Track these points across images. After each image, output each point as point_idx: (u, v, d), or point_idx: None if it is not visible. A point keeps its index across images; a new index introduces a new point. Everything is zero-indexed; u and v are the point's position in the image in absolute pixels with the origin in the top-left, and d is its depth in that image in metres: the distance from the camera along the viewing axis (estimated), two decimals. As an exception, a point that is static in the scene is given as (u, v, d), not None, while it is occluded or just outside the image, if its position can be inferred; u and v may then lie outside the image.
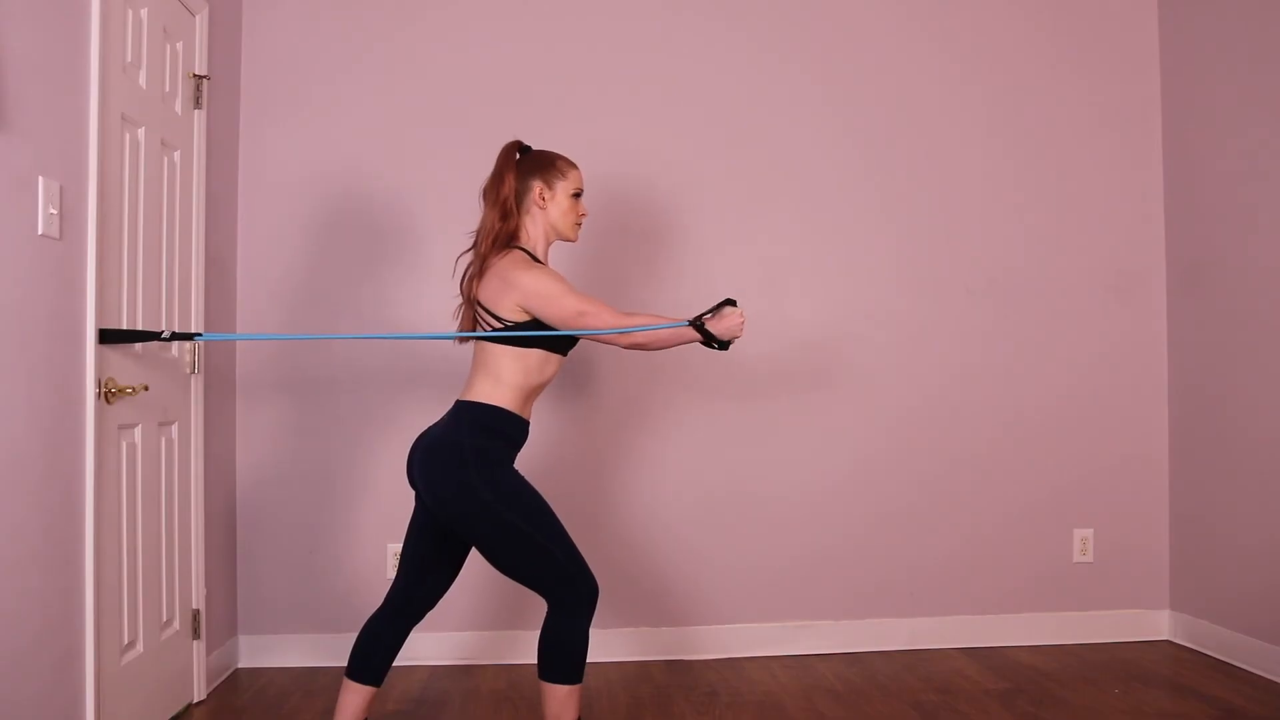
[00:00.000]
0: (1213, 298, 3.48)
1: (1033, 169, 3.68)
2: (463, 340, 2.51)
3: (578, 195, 2.42)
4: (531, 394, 2.34)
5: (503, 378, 2.28)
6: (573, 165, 2.42)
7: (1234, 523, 3.37)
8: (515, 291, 2.25)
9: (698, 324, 2.21)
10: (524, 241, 2.38)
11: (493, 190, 2.36)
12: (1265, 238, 3.23)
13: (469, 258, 2.39)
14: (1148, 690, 3.10)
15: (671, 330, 2.24)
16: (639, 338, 2.27)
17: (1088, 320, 3.68)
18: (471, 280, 2.35)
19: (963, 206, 3.65)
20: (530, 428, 2.39)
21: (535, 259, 2.35)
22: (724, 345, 2.23)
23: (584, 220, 2.47)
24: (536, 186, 2.37)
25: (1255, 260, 3.28)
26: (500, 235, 2.33)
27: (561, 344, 2.33)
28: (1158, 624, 3.67)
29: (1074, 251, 3.68)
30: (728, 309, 2.23)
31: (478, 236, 2.37)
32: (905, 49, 3.65)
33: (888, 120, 3.63)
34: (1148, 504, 3.69)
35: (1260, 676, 3.18)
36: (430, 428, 2.35)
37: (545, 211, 2.38)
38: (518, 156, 2.41)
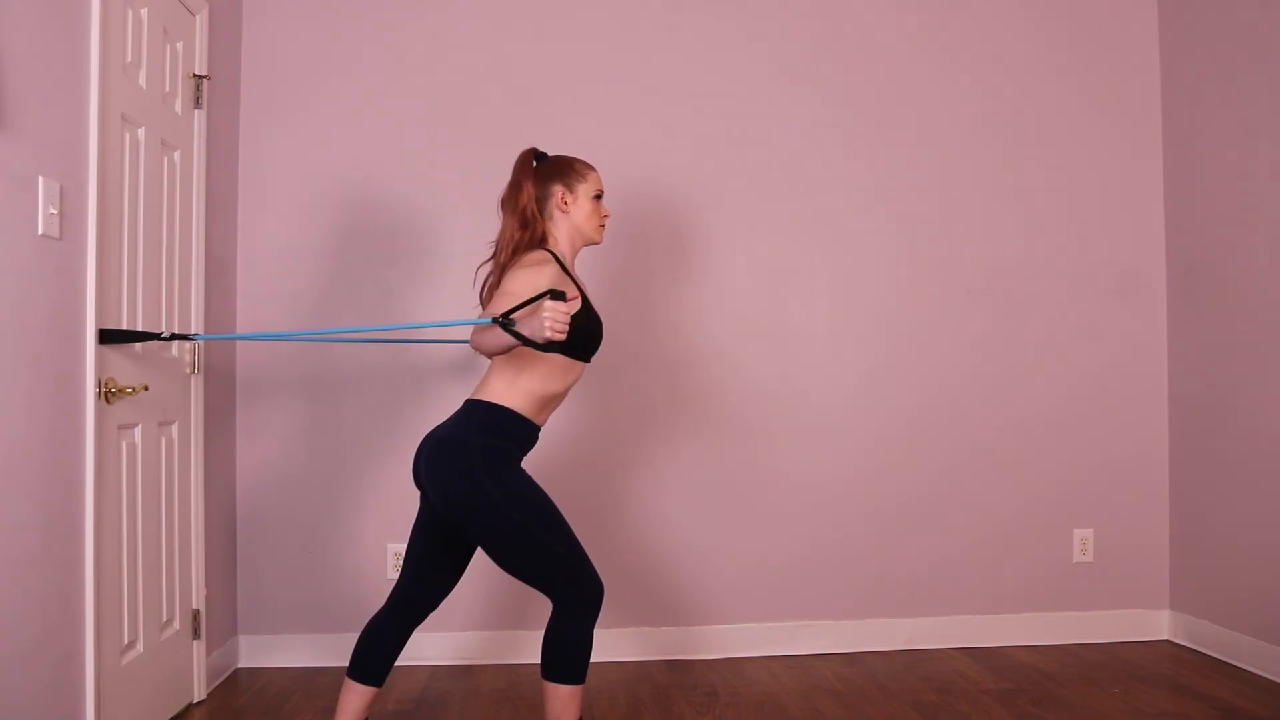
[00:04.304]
0: (1213, 298, 3.48)
1: (1033, 169, 3.68)
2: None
3: (599, 197, 2.40)
4: (548, 401, 2.31)
5: (519, 381, 2.26)
6: (590, 167, 2.41)
7: (1234, 523, 3.37)
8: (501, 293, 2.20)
9: (503, 322, 2.00)
10: (551, 246, 2.36)
11: (511, 199, 2.34)
12: (1265, 238, 3.23)
13: (489, 268, 2.37)
14: (1148, 690, 3.10)
15: (494, 334, 2.03)
16: (477, 342, 2.15)
17: (1088, 320, 3.68)
18: (490, 290, 2.33)
19: (963, 206, 3.65)
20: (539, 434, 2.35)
21: (559, 261, 2.32)
22: (547, 347, 2.01)
23: (607, 221, 2.45)
24: (558, 191, 2.36)
25: (1255, 260, 3.28)
26: (521, 244, 2.31)
27: (584, 350, 2.31)
28: (1158, 624, 3.67)
29: (1074, 251, 3.68)
30: (548, 302, 1.95)
31: (497, 246, 2.35)
32: (906, 50, 3.65)
33: (888, 121, 3.63)
34: (1148, 504, 3.69)
35: (1260, 676, 3.18)
36: (438, 426, 2.32)
37: (568, 215, 2.37)
38: (534, 164, 2.39)
